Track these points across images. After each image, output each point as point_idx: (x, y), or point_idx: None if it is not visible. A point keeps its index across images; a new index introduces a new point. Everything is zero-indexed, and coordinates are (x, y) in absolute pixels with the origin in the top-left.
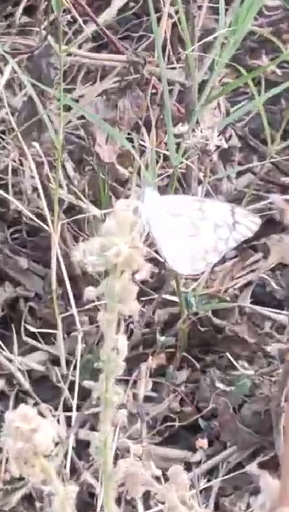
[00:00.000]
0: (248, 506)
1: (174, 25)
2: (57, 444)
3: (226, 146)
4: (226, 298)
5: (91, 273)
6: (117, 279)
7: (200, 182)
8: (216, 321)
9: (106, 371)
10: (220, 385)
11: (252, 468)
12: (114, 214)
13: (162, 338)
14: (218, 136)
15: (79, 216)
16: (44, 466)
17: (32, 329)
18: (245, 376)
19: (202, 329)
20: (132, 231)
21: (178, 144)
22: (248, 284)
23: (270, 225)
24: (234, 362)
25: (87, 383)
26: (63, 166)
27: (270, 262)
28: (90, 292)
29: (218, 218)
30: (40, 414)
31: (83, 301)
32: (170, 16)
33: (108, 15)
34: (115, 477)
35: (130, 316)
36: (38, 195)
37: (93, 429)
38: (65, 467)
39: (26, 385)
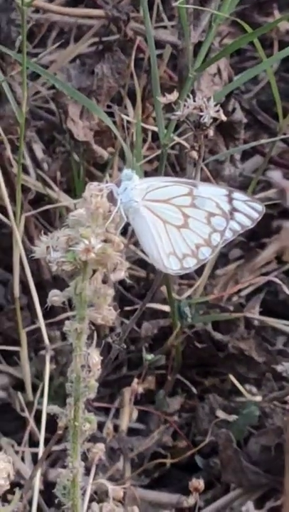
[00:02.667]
0: None
1: None
2: (20, 485)
3: (224, 118)
4: (228, 307)
5: (63, 277)
6: (87, 280)
7: (196, 165)
8: (217, 335)
9: (75, 394)
10: (221, 414)
11: (249, 508)
12: (84, 200)
13: (150, 357)
14: (216, 106)
15: (48, 207)
16: None
17: None
18: (253, 403)
19: (199, 346)
20: (105, 221)
21: (169, 119)
22: (257, 290)
23: (283, 217)
24: (239, 386)
25: (50, 409)
26: (29, 147)
27: (269, 252)
28: (54, 297)
29: (212, 205)
30: None
31: (54, 312)
32: None
33: None
34: None
35: (112, 330)
36: None
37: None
38: None
39: None
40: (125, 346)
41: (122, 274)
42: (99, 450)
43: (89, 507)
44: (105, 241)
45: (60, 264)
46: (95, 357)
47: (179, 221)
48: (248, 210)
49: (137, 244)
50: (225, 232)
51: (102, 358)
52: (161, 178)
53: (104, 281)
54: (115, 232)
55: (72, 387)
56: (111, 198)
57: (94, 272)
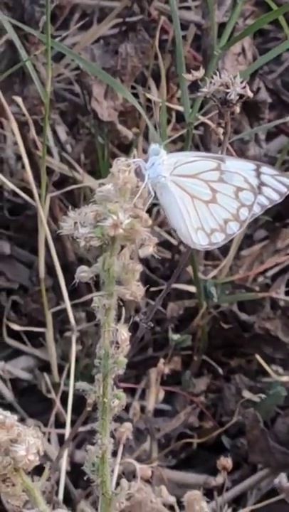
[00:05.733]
0: None
1: None
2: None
3: (250, 94)
4: (254, 288)
5: (88, 258)
6: (115, 256)
7: (221, 145)
8: (243, 316)
9: (103, 370)
10: (247, 395)
11: (282, 480)
12: (111, 176)
13: (176, 338)
14: (242, 82)
15: (72, 187)
16: (27, 485)
17: (16, 328)
18: (279, 383)
19: (225, 326)
20: (133, 197)
21: (193, 99)
22: (283, 270)
23: None
24: (265, 366)
25: (79, 385)
26: (53, 129)
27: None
28: (82, 273)
29: (239, 180)
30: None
31: (79, 294)
32: None
33: None
34: (116, 502)
35: (136, 311)
36: (23, 166)
37: None
38: (56, 494)
39: (10, 396)
40: (152, 326)
41: (150, 249)
42: (126, 429)
43: (118, 484)
44: (133, 216)
45: (88, 240)
46: (124, 333)
47: (207, 196)
48: (277, 185)
49: (161, 225)
50: (253, 206)
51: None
52: (189, 153)
53: (131, 258)
54: (143, 207)
55: (100, 363)
56: (139, 173)
57: (122, 247)
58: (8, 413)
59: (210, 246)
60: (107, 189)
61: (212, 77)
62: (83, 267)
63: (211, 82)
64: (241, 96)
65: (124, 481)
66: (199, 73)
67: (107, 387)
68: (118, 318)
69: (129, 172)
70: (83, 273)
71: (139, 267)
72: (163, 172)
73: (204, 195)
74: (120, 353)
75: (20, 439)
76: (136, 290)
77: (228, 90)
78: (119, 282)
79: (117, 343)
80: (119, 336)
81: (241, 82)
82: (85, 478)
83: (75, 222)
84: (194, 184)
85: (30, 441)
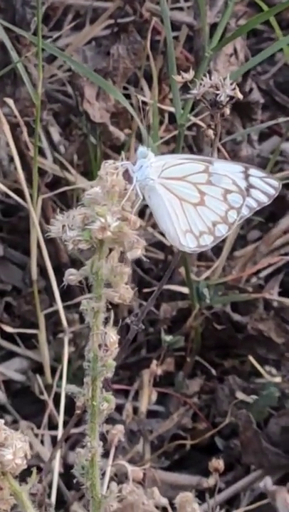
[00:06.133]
0: None
1: None
2: (39, 468)
3: (240, 96)
4: (247, 288)
5: (80, 260)
6: (103, 259)
7: (213, 144)
8: (236, 316)
9: (92, 373)
10: (241, 396)
11: (267, 483)
12: (99, 179)
13: (169, 339)
14: (232, 84)
15: (65, 188)
16: (14, 489)
17: (9, 330)
18: (272, 384)
19: (218, 327)
20: (121, 199)
21: (185, 100)
22: (276, 271)
23: None
24: (258, 367)
25: (68, 388)
26: (45, 130)
27: (282, 227)
28: (70, 276)
29: (228, 182)
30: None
31: (72, 295)
32: None
33: None
34: (106, 505)
35: (130, 312)
36: (15, 167)
37: None
38: (49, 496)
39: (3, 398)
40: (144, 327)
41: (138, 252)
42: (118, 431)
43: (108, 487)
44: (121, 219)
45: (76, 243)
46: (112, 336)
47: (195, 198)
48: (265, 187)
49: (154, 226)
50: (241, 208)
51: (119, 337)
52: (177, 156)
53: (120, 261)
54: (131, 210)
55: (89, 366)
56: (127, 176)
57: (110, 250)
58: None
59: (199, 248)
60: (95, 192)
61: (202, 79)
62: (72, 270)
63: (200, 84)
64: (231, 98)
65: (113, 484)
66: (189, 75)
67: (96, 390)
68: (108, 321)
69: (117, 175)
70: (72, 276)
71: (128, 270)
72: (151, 175)
73: (192, 198)
74: (109, 356)
75: (7, 443)
76: (125, 293)
77: (217, 92)
78: (109, 285)
79: (106, 345)
80: (107, 339)
81: (231, 84)
82: (76, 480)
83: (63, 225)
84: (182, 187)
85: (17, 445)
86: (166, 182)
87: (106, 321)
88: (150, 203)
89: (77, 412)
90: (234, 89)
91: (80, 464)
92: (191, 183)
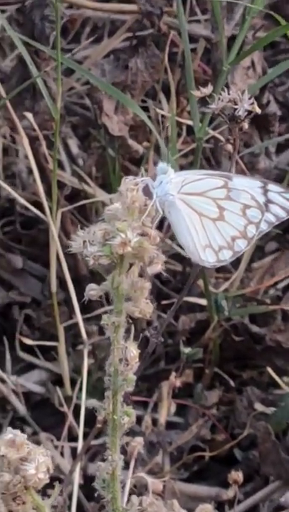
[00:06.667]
0: None
1: None
2: (59, 480)
3: (258, 110)
4: (265, 300)
5: (100, 272)
6: (124, 274)
7: (231, 158)
8: (254, 328)
9: (113, 387)
10: (259, 407)
11: (288, 497)
12: (119, 195)
13: (188, 351)
14: (250, 99)
15: (84, 202)
16: (37, 503)
17: (29, 342)
18: None
19: (237, 339)
20: (141, 215)
21: (203, 113)
22: None
23: None
24: (277, 378)
25: (89, 403)
26: (64, 143)
27: None
28: (91, 291)
29: (247, 197)
30: (38, 443)
31: (91, 307)
32: None
33: None
34: None
35: (149, 324)
36: (34, 179)
37: None
38: (69, 509)
39: (23, 410)
40: (163, 340)
41: (158, 267)
42: (138, 443)
43: (128, 500)
44: (141, 235)
45: (97, 258)
46: (133, 350)
47: (215, 214)
48: (283, 202)
49: (173, 238)
50: (260, 224)
51: (139, 351)
52: (196, 171)
53: (140, 275)
54: (151, 225)
55: (110, 380)
56: (147, 191)
57: (130, 265)
58: (18, 431)
59: (218, 263)
60: (115, 208)
61: (220, 93)
62: (92, 285)
63: (219, 99)
64: (250, 112)
65: (134, 497)
66: (207, 90)
67: (116, 404)
68: (128, 334)
69: (137, 191)
70: (92, 291)
71: (148, 285)
72: (171, 190)
73: (212, 213)
74: (129, 370)
75: (30, 458)
76: (145, 307)
77: (236, 106)
78: (129, 299)
79: (127, 360)
80: (128, 354)
81: (249, 98)
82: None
83: (84, 241)
84: (202, 202)
85: (40, 459)
86: (186, 197)
87: (126, 335)
88: (170, 218)
89: (98, 425)
90: (252, 103)
91: (101, 477)
92: (211, 198)
